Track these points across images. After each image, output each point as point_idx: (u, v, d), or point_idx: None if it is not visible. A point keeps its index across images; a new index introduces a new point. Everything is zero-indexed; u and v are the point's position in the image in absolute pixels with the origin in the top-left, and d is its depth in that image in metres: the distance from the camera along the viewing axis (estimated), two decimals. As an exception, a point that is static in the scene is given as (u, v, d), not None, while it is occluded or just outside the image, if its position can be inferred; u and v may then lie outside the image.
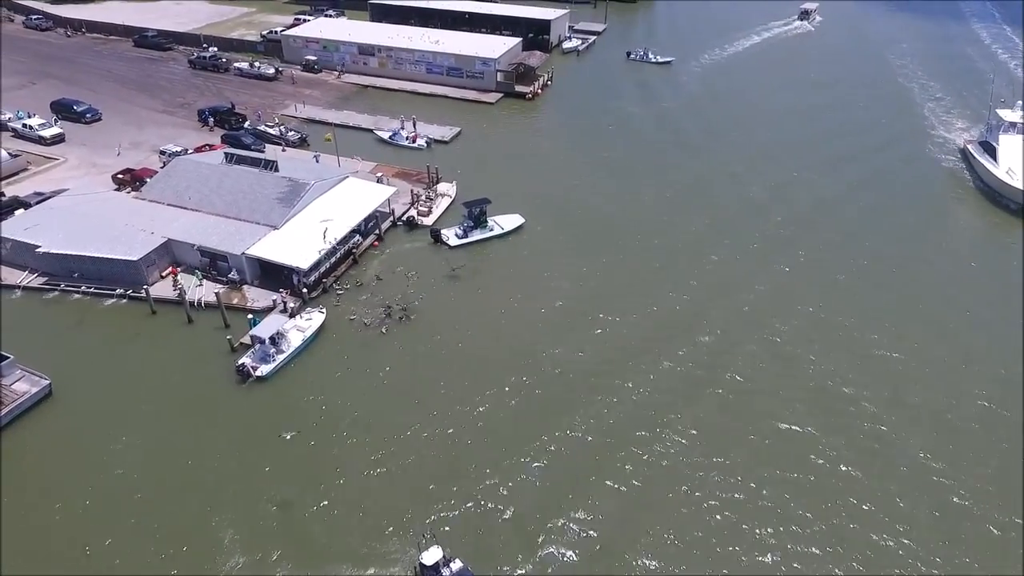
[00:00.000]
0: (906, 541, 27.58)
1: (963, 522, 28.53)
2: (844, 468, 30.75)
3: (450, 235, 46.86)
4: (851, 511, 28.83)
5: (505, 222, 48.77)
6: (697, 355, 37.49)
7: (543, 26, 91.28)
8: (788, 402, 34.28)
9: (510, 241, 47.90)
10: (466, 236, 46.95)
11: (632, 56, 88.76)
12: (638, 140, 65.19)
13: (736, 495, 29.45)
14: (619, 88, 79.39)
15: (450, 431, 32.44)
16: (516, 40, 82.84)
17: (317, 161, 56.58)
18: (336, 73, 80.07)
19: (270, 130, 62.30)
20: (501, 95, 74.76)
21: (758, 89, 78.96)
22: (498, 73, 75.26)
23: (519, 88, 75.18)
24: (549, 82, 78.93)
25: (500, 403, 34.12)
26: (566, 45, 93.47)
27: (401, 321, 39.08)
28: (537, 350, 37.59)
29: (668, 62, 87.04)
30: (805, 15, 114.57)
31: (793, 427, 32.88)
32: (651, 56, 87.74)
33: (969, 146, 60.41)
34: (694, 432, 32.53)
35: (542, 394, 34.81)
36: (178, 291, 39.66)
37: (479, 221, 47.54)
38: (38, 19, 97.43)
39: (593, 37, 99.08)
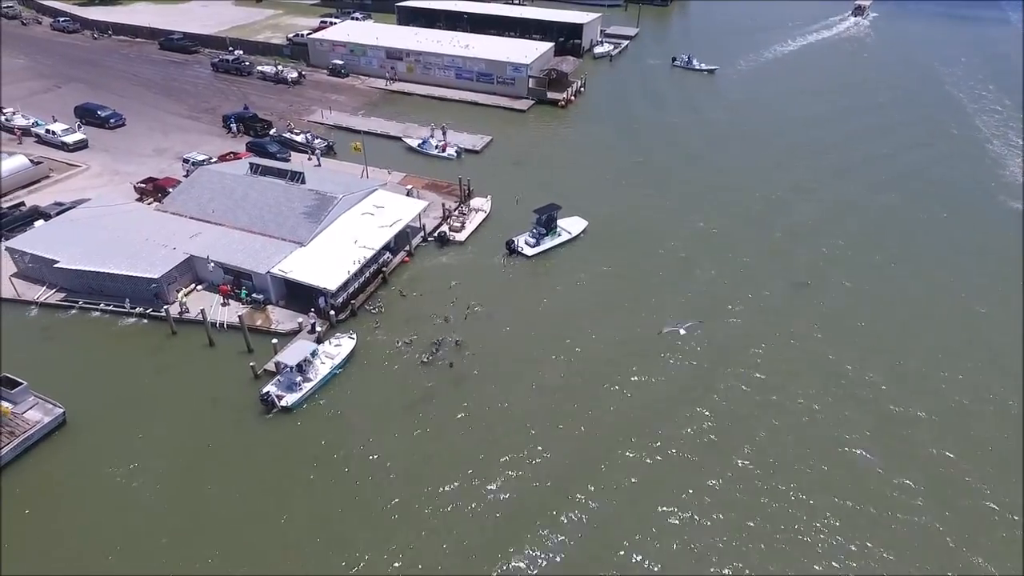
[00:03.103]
0: None
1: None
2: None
3: (523, 244, 45.38)
4: None
5: (571, 226, 47.43)
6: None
7: (575, 30, 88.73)
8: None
9: (562, 261, 45.26)
10: (538, 244, 45.50)
11: (676, 62, 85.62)
12: (681, 155, 61.84)
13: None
14: (656, 96, 76.44)
15: (500, 497, 29.47)
16: (548, 45, 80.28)
17: (319, 164, 55.66)
18: (387, 80, 77.54)
19: (296, 137, 60.28)
20: (533, 102, 72.19)
21: (810, 105, 74.51)
22: (530, 79, 72.66)
23: (551, 95, 72.55)
24: (582, 89, 76.18)
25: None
26: (598, 50, 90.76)
27: (452, 367, 35.52)
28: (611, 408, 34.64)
29: (712, 70, 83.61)
30: (859, 11, 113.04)
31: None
32: (695, 63, 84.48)
33: None
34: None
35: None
36: (185, 311, 38.04)
37: (549, 228, 45.97)
38: (66, 21, 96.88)
39: (625, 42, 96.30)
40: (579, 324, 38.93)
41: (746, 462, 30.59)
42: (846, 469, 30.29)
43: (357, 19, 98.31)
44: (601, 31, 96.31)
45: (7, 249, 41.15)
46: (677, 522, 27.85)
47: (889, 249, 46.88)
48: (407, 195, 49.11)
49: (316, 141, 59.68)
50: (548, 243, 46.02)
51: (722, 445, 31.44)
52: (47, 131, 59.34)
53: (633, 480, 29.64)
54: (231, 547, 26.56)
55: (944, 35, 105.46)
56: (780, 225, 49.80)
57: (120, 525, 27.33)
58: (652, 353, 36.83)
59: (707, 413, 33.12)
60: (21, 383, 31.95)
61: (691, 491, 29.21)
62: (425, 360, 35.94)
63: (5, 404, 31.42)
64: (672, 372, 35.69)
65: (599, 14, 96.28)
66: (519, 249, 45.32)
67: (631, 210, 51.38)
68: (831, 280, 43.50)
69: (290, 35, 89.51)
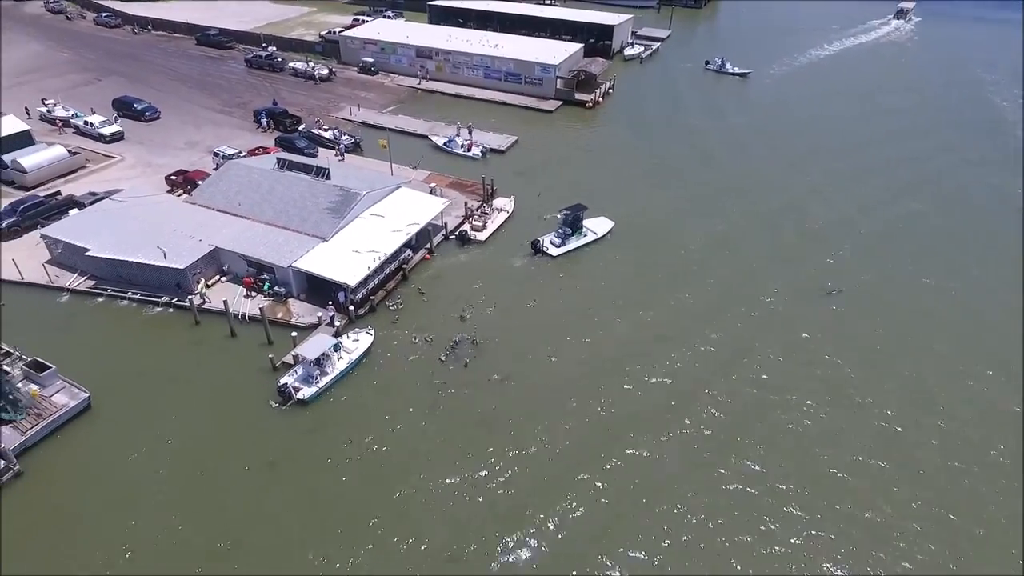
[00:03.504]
0: None
1: None
2: None
3: (548, 244, 45.52)
4: None
5: (597, 227, 47.40)
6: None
7: (606, 31, 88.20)
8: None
9: (586, 262, 45.02)
10: (564, 244, 45.57)
11: (709, 65, 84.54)
12: (707, 158, 60.97)
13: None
14: (686, 100, 75.52)
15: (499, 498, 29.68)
16: (577, 46, 79.87)
17: (342, 158, 56.77)
18: (419, 79, 77.90)
19: (324, 134, 61.02)
20: (560, 103, 71.95)
21: (842, 111, 72.74)
22: (558, 80, 72.42)
23: (579, 96, 72.23)
24: (611, 90, 75.69)
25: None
26: (628, 51, 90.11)
27: (466, 367, 35.46)
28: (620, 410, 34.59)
29: (745, 74, 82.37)
30: (901, 14, 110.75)
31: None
32: (728, 66, 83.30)
33: None
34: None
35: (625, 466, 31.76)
36: (206, 301, 38.79)
37: (575, 228, 46.06)
38: (108, 16, 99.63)
39: (657, 44, 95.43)
40: (597, 325, 38.69)
41: (753, 464, 30.10)
42: (858, 475, 29.61)
43: (389, 17, 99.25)
44: (632, 32, 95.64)
45: (42, 236, 42.43)
46: (681, 523, 27.49)
47: (911, 258, 45.77)
48: (430, 193, 49.35)
49: (344, 138, 60.31)
50: (574, 243, 46.00)
51: (729, 448, 31.04)
52: (85, 123, 61.04)
53: (638, 480, 29.38)
54: (243, 534, 26.94)
55: (989, 40, 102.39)
56: (806, 230, 48.97)
57: (135, 511, 27.87)
58: (667, 355, 36.44)
59: (717, 414, 32.81)
60: (50, 367, 32.88)
61: (693, 493, 28.87)
62: (442, 359, 36.04)
63: (34, 387, 32.43)
64: (686, 373, 35.26)
65: (630, 15, 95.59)
66: (544, 249, 45.37)
67: (656, 212, 50.90)
68: (855, 286, 42.57)
69: (323, 32, 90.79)
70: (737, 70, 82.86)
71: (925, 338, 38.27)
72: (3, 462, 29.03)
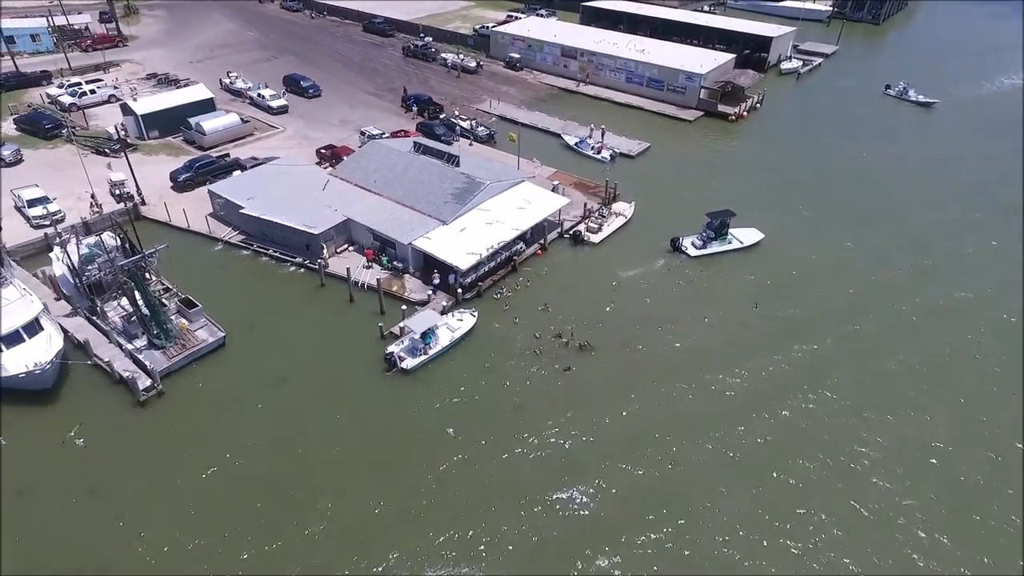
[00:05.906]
0: None
1: None
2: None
3: (688, 245, 45.63)
4: None
5: (744, 236, 46.69)
6: None
7: (762, 43, 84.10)
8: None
9: (713, 277, 43.80)
10: (705, 247, 45.48)
11: (889, 90, 77.31)
12: (859, 191, 55.86)
13: None
14: (843, 123, 69.99)
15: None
16: (729, 56, 76.91)
17: (471, 144, 59.37)
18: (578, 82, 78.38)
19: (462, 123, 63.64)
20: (701, 113, 69.75)
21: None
22: (702, 90, 70.18)
23: (722, 108, 69.58)
24: (758, 105, 72.16)
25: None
26: (784, 66, 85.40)
27: (568, 371, 35.43)
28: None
29: (930, 104, 74.25)
30: None
31: None
32: (911, 93, 75.58)
33: None
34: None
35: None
36: (325, 267, 41.74)
37: (719, 232, 45.66)
38: (292, 1, 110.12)
39: (819, 60, 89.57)
40: (704, 355, 37.43)
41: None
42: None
43: (542, 15, 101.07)
44: (793, 46, 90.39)
45: (208, 192, 48.12)
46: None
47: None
48: (552, 190, 49.96)
49: (479, 129, 62.55)
50: (715, 247, 45.52)
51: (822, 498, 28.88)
52: (258, 95, 68.15)
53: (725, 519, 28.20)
54: (329, 478, 29.27)
55: None
56: (966, 285, 43.90)
57: (245, 441, 31.13)
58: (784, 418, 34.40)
59: (811, 466, 30.54)
60: (197, 305, 37.43)
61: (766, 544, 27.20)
62: (538, 352, 36.61)
63: (183, 321, 37.06)
64: (785, 434, 33.21)
65: (793, 28, 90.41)
66: (683, 248, 45.34)
67: (786, 239, 47.90)
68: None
69: (476, 27, 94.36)
70: (921, 98, 74.82)
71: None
72: (151, 381, 33.57)
